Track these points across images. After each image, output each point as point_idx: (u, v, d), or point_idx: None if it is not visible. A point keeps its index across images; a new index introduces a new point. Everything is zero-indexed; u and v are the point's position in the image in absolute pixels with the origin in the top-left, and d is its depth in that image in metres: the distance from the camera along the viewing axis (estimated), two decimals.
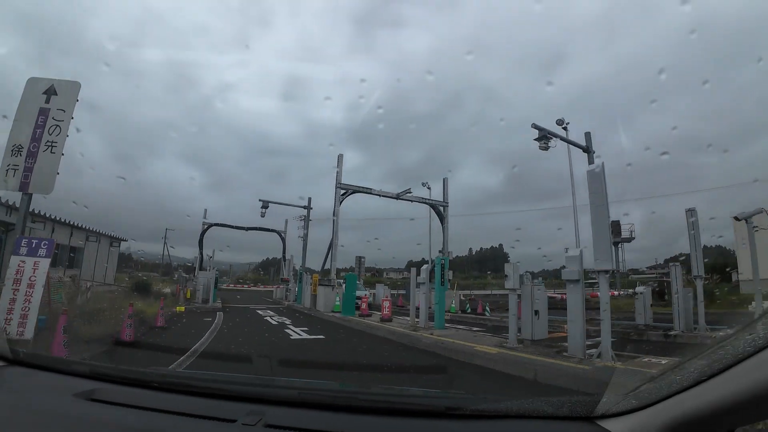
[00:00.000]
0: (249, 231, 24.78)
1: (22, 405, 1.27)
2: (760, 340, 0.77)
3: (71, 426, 1.17)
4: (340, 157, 17.75)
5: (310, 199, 22.43)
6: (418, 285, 11.36)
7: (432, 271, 10.79)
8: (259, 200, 22.13)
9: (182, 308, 15.37)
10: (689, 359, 0.98)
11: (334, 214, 17.01)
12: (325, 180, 17.02)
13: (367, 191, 18.22)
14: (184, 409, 1.24)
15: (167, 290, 20.51)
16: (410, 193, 18.27)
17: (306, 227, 21.78)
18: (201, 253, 23.31)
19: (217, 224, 24.81)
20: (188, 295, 18.99)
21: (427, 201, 20.22)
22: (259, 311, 16.43)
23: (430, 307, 10.85)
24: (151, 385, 1.46)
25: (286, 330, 10.22)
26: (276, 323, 12.00)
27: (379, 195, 18.73)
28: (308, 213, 22.05)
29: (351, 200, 17.73)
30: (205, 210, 24.94)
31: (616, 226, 27.69)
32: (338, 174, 17.51)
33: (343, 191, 17.65)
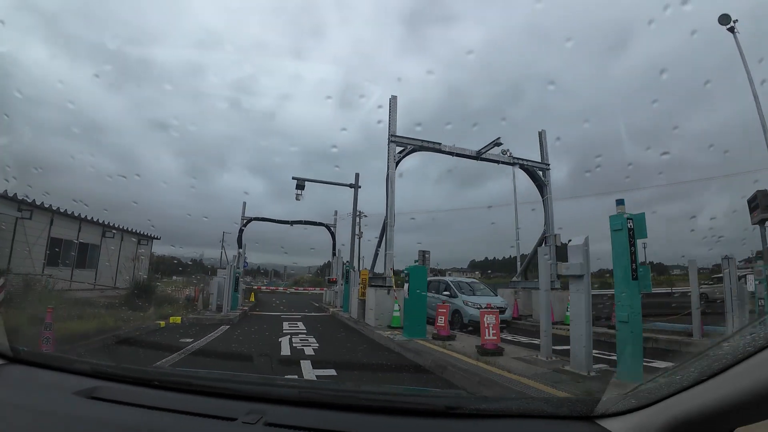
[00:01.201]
0: (299, 228, 21.51)
1: (22, 403, 1.25)
2: (760, 340, 0.76)
3: (72, 424, 1.16)
4: (392, 100, 12.25)
5: (357, 175, 17.25)
6: (557, 280, 5.51)
7: (587, 249, 4.92)
8: (293, 178, 17.31)
9: (178, 319, 10.80)
10: (689, 359, 0.98)
11: (387, 179, 11.52)
12: (382, 183, 11.82)
13: (435, 147, 12.50)
14: (184, 407, 1.22)
15: (185, 294, 16.54)
16: (500, 144, 12.15)
17: (354, 207, 16.60)
18: (240, 253, 20.06)
19: (256, 218, 22.24)
20: None
21: (519, 162, 14.01)
22: (285, 324, 11.40)
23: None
24: (152, 384, 1.44)
25: (293, 376, 4.89)
26: (288, 354, 6.78)
27: (452, 154, 12.92)
28: (356, 192, 16.88)
29: (406, 200, 12.46)
30: (244, 203, 21.79)
31: (764, 196, 19.88)
32: (390, 122, 12.02)
33: (400, 148, 12.11)
